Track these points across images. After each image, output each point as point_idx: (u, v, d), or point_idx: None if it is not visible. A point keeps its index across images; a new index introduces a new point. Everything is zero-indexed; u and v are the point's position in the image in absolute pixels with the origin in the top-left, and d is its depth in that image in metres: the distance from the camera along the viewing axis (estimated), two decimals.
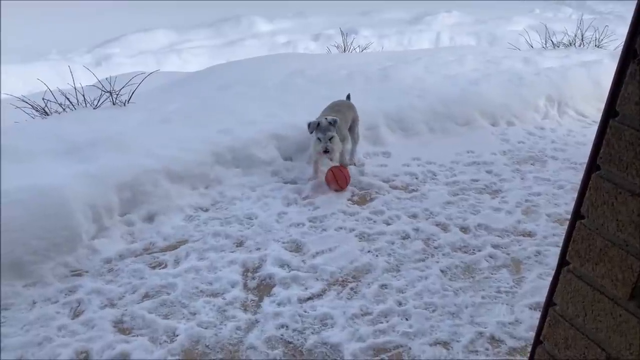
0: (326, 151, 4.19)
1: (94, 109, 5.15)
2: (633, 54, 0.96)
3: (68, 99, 5.15)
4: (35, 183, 3.42)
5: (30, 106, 5.16)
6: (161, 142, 4.30)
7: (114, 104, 5.24)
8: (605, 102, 1.06)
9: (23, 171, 3.53)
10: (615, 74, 1.02)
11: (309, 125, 4.26)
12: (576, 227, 1.08)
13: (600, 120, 1.03)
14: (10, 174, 3.47)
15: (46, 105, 5.15)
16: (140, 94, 5.42)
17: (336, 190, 4.41)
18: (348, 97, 5.04)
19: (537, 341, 1.23)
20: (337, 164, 4.46)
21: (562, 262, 1.14)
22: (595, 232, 1.05)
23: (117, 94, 5.25)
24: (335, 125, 4.23)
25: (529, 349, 2.82)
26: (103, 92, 5.21)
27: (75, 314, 2.96)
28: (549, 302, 1.18)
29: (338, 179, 4.39)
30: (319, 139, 4.22)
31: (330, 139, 4.20)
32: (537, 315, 3.07)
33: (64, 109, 5.10)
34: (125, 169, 3.88)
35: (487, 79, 6.30)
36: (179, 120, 4.79)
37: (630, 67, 0.96)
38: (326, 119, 4.21)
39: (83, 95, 5.23)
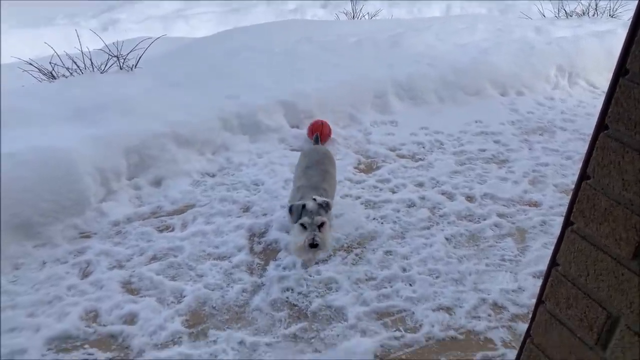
0: (314, 245, 2.81)
1: (101, 73, 5.13)
2: None
3: (75, 63, 5.13)
4: (43, 145, 3.44)
5: (37, 70, 5.15)
6: (169, 107, 4.29)
7: (121, 69, 5.22)
8: None
9: (31, 133, 3.55)
10: (627, 33, 1.00)
11: (291, 209, 2.94)
12: (582, 187, 1.08)
13: (611, 80, 1.02)
14: (18, 136, 3.49)
15: (53, 69, 5.14)
16: (147, 59, 5.39)
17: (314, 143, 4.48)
18: (317, 139, 3.86)
19: (539, 301, 1.24)
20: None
21: (567, 222, 1.14)
22: (601, 191, 1.05)
23: (124, 59, 5.23)
24: (327, 210, 2.95)
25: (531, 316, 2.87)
26: (110, 57, 5.18)
27: (85, 275, 3.01)
28: (552, 263, 1.18)
29: (314, 132, 4.43)
30: (302, 225, 2.86)
31: (320, 225, 2.87)
32: (541, 283, 3.10)
33: (71, 73, 5.10)
34: (132, 133, 3.88)
35: (498, 48, 6.21)
36: (186, 86, 4.77)
37: None
38: (315, 200, 2.93)
39: (90, 60, 5.21)
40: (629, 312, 1.03)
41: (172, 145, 4.01)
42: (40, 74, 5.18)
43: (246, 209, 3.68)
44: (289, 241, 3.15)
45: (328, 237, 2.91)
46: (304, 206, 2.89)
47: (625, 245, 1.01)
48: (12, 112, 3.82)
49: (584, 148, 4.75)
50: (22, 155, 3.31)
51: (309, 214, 2.85)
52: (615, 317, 1.07)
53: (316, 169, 3.30)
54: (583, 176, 1.09)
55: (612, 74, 1.03)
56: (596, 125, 1.07)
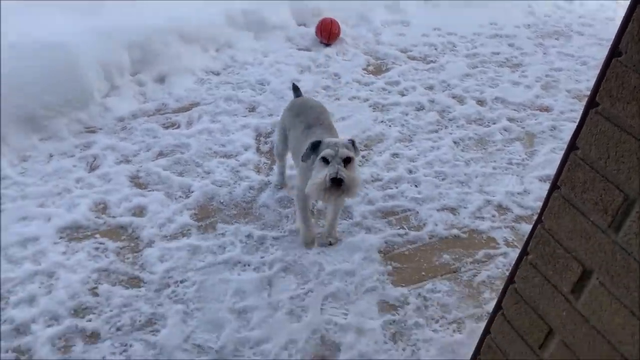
0: (337, 180, 2.17)
1: None
2: None
3: None
4: (43, 36, 3.32)
5: None
6: (172, 1, 4.10)
7: None
8: None
9: (27, 22, 3.41)
10: None
11: (313, 145, 2.33)
12: (611, 65, 1.03)
13: None
14: (13, 25, 3.35)
15: None
16: None
17: (321, 42, 4.41)
18: (296, 89, 2.90)
19: (553, 187, 1.23)
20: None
21: (590, 104, 1.10)
22: (632, 68, 0.99)
23: None
24: (355, 150, 2.34)
25: (535, 218, 2.89)
26: None
27: (92, 168, 3.02)
28: (572, 146, 1.15)
29: (323, 31, 4.34)
30: (324, 159, 2.25)
31: (347, 160, 2.25)
32: (547, 187, 3.10)
33: None
34: (135, 27, 3.75)
35: None
36: None
37: None
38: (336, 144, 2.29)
39: None
40: None
41: (176, 41, 3.88)
42: None
43: (252, 109, 3.63)
44: (299, 188, 2.52)
45: (356, 177, 2.29)
46: (320, 142, 2.32)
47: None
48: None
49: (600, 53, 4.58)
50: (23, 48, 3.21)
51: (332, 146, 2.26)
52: (632, 200, 1.05)
53: (320, 127, 2.57)
54: (614, 53, 1.03)
55: None
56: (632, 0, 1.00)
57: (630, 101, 1.00)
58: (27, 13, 3.52)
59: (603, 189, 1.10)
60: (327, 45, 4.37)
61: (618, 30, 1.02)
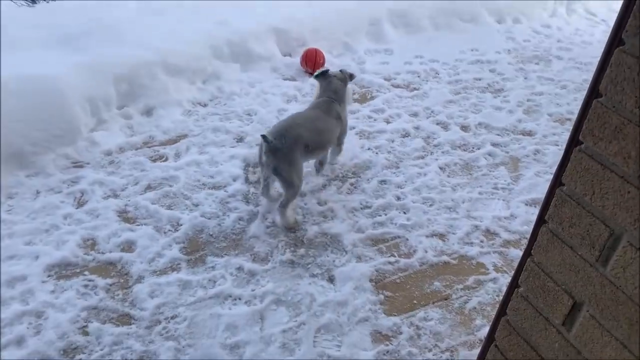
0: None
1: None
2: None
3: None
4: (30, 73, 3.33)
5: None
6: (157, 33, 4.14)
7: None
8: None
9: (16, 60, 3.41)
10: None
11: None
12: (592, 105, 1.07)
13: None
14: (2, 63, 3.36)
15: None
16: None
17: (306, 72, 4.44)
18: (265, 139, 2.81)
19: (541, 221, 1.26)
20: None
21: (572, 142, 1.13)
22: (612, 109, 1.03)
23: None
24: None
25: (523, 242, 2.93)
26: None
27: (80, 204, 3.01)
28: (557, 183, 1.19)
29: (308, 61, 4.40)
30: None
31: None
32: (533, 210, 3.15)
33: None
34: (121, 61, 3.76)
35: None
36: (173, 11, 4.58)
37: None
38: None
39: None
40: (633, 229, 1.04)
41: (162, 73, 3.91)
42: None
43: (240, 139, 3.64)
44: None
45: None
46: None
47: (634, 163, 1.01)
48: None
49: (579, 77, 4.71)
50: (9, 84, 3.21)
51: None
52: (618, 235, 1.08)
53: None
54: (593, 94, 1.07)
55: (615, 2, 0.99)
56: (609, 41, 1.04)
57: (612, 140, 1.04)
58: (12, 49, 3.53)
59: (589, 224, 1.13)
60: (312, 75, 4.42)
61: (596, 72, 1.06)
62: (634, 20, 0.97)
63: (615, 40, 1.02)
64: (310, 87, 4.29)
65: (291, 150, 2.78)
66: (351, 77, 3.32)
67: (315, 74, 3.31)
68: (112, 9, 4.61)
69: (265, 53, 4.49)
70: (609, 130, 1.04)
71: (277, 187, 3.02)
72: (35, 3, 4.76)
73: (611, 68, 1.02)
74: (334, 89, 3.18)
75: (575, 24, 5.85)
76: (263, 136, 2.72)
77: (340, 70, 3.32)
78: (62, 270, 2.58)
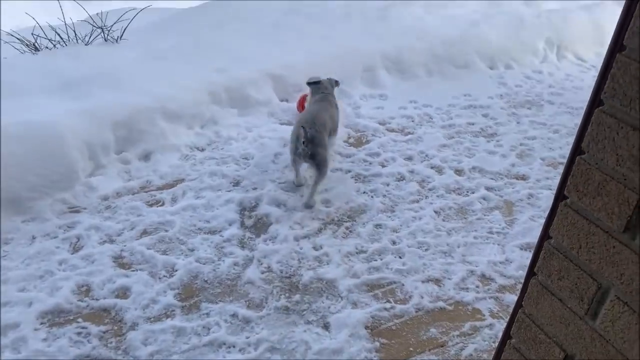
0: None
1: (85, 45, 5.03)
2: None
3: (58, 34, 5.01)
4: (30, 119, 3.39)
5: (19, 41, 5.02)
6: (156, 80, 4.23)
7: (105, 41, 5.11)
8: (606, 45, 1.05)
9: (16, 106, 3.48)
10: (623, 7, 1.01)
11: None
12: (576, 162, 1.10)
13: (606, 55, 1.03)
14: (3, 109, 3.42)
15: (36, 41, 5.02)
16: (132, 30, 5.28)
17: None
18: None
19: (531, 273, 1.27)
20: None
21: (559, 197, 1.16)
22: (595, 166, 1.07)
23: (109, 30, 5.11)
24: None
25: (519, 287, 2.93)
26: (94, 28, 5.07)
27: (75, 249, 3.01)
28: (545, 236, 1.21)
29: (303, 106, 4.45)
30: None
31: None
32: (528, 255, 3.16)
33: (54, 45, 4.97)
34: (120, 107, 3.83)
35: (488, 21, 6.17)
36: (173, 58, 4.70)
37: None
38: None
39: (74, 31, 5.08)
40: (619, 284, 1.06)
41: (161, 119, 3.97)
42: (23, 46, 5.05)
43: (236, 183, 3.68)
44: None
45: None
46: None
47: (617, 218, 1.04)
48: None
49: (571, 122, 4.79)
50: (8, 129, 3.26)
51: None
52: (606, 289, 1.10)
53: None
54: (576, 151, 1.11)
55: (603, 48, 1.04)
56: (590, 101, 1.08)
57: (596, 196, 1.07)
58: (13, 95, 3.60)
59: (577, 277, 1.15)
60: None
61: (578, 130, 1.10)
62: (611, 82, 1.01)
63: (596, 100, 1.06)
64: None
65: (322, 136, 3.42)
66: (337, 83, 4.09)
67: (307, 81, 4.01)
68: (114, 54, 4.73)
69: (262, 98, 4.58)
70: (592, 187, 1.07)
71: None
72: (39, 50, 4.87)
73: (592, 127, 1.06)
74: (325, 87, 3.94)
75: (566, 70, 5.98)
76: (303, 127, 3.28)
77: (327, 78, 4.07)
78: (56, 318, 2.56)
